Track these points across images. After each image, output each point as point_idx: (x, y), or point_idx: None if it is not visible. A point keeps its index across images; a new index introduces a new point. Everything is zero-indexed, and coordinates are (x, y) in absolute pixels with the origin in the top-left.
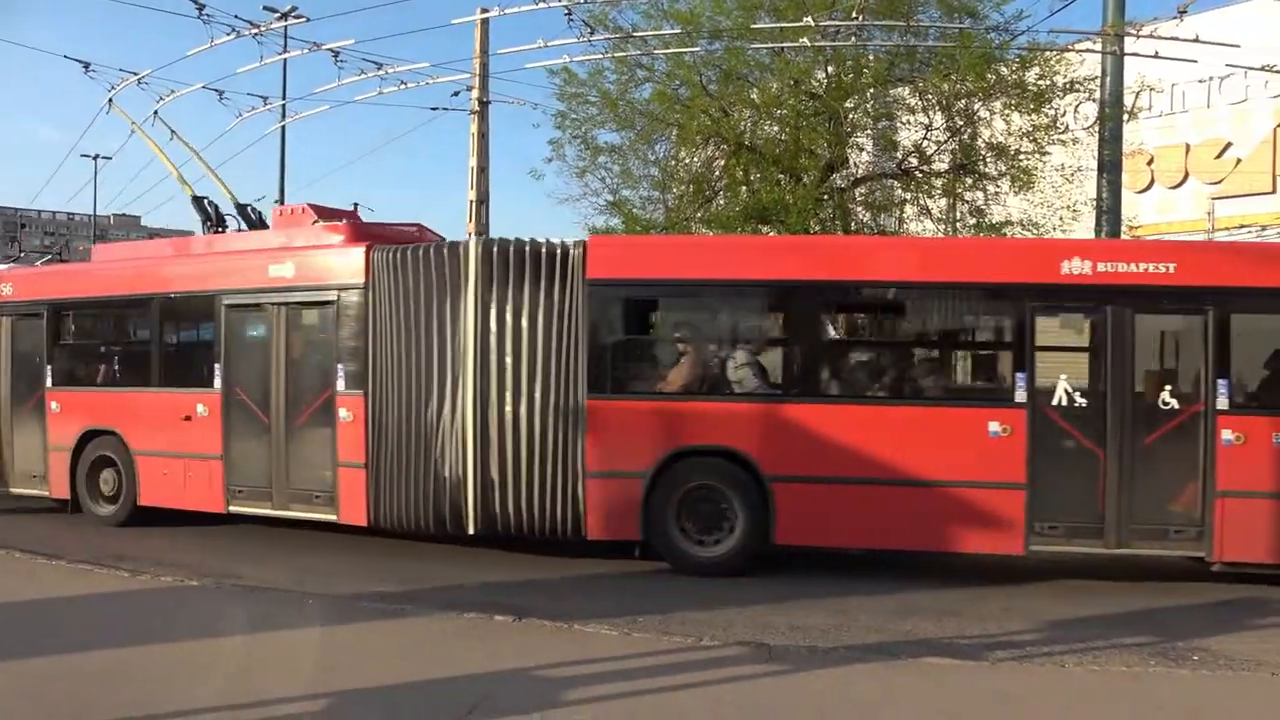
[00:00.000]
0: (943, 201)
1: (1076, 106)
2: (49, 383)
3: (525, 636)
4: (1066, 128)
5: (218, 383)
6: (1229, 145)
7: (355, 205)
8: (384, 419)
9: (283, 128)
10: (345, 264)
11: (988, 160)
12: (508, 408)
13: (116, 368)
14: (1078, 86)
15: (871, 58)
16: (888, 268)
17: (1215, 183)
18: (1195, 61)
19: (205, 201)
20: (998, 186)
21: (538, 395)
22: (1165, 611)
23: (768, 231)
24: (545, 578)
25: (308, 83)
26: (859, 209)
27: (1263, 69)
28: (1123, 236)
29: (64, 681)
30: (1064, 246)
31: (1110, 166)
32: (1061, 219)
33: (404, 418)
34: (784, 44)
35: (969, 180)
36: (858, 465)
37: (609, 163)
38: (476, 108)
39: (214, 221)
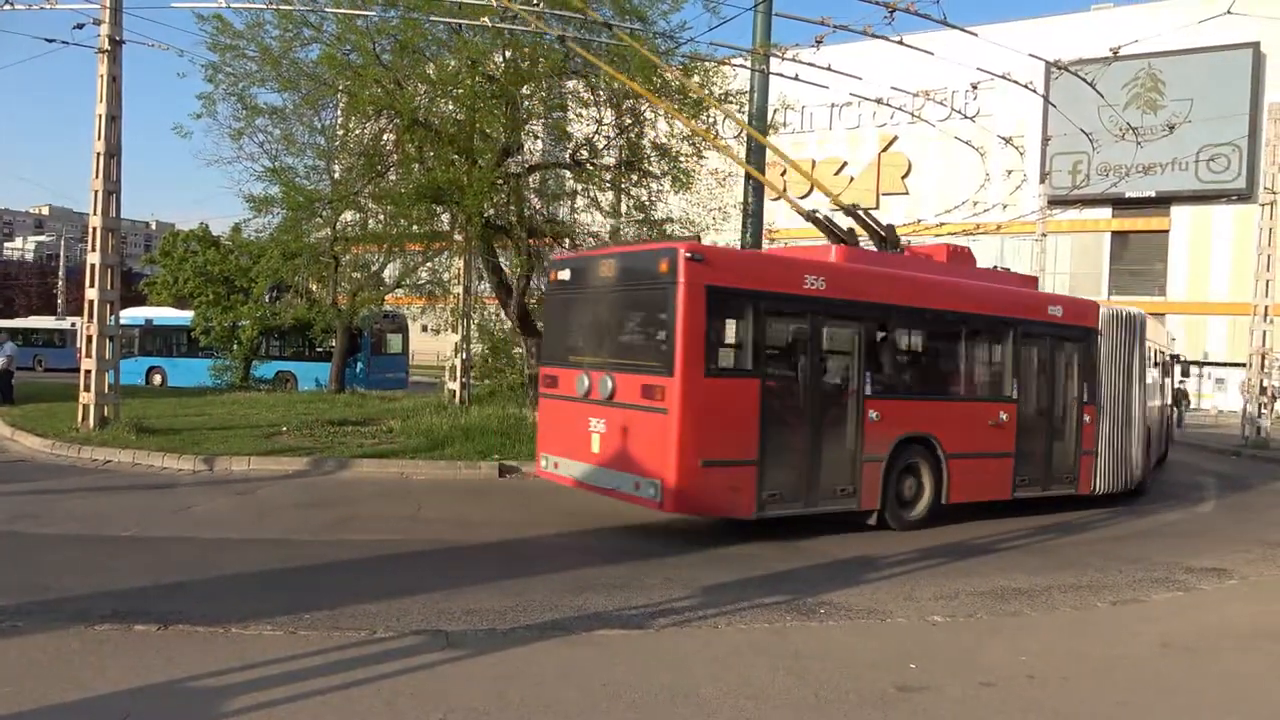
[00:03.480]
0: (611, 195)
1: (726, 118)
2: (867, 390)
3: (174, 645)
4: (719, 135)
5: (1015, 392)
6: (845, 164)
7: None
8: (1104, 421)
9: None
10: (1092, 315)
11: (652, 159)
12: (1138, 413)
13: (927, 377)
14: (731, 98)
15: (548, 47)
16: None
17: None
18: (827, 87)
19: (863, 210)
20: (660, 185)
21: (1152, 408)
22: (796, 573)
23: (441, 212)
24: (196, 579)
25: None
26: (533, 196)
27: (876, 101)
28: (763, 240)
29: None
30: None
31: None
32: (714, 219)
33: (1112, 421)
34: (463, 20)
35: (635, 177)
36: None
37: (269, 125)
38: (107, 46)
39: (886, 240)
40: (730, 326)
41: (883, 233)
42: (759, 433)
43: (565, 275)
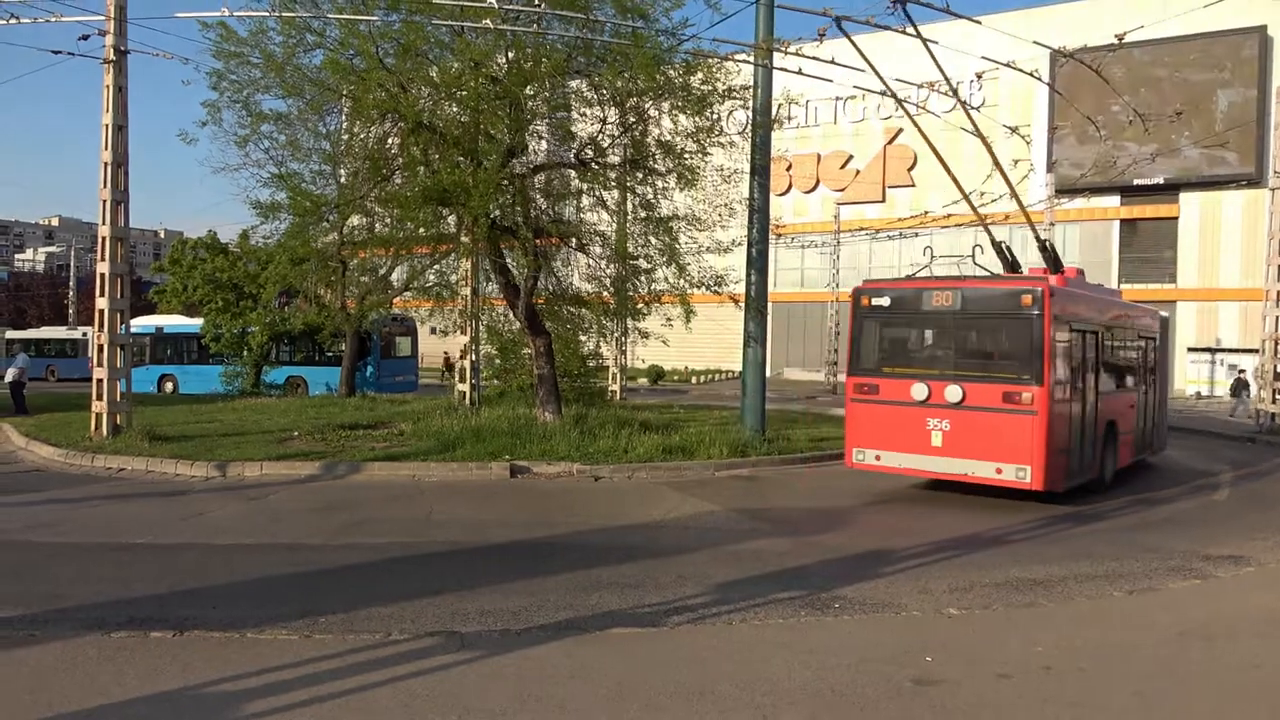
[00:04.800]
0: (616, 193)
1: (730, 113)
2: (1099, 388)
3: (190, 651)
4: (723, 131)
5: (1138, 383)
6: (850, 158)
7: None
8: (1161, 398)
9: None
10: (1158, 320)
11: (657, 157)
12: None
13: (1113, 375)
14: (735, 94)
15: (550, 47)
16: None
17: (840, 189)
18: (831, 81)
19: (1005, 247)
20: (666, 182)
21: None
22: (809, 568)
23: (447, 214)
24: (210, 585)
25: None
26: (538, 196)
27: (880, 94)
28: (771, 234)
29: None
30: None
31: (760, 170)
32: (720, 216)
33: (1164, 399)
34: (465, 23)
35: (640, 175)
36: None
37: (274, 132)
38: (112, 56)
39: (1011, 265)
40: (1058, 345)
41: (1051, 258)
42: (1068, 426)
43: (884, 301)
